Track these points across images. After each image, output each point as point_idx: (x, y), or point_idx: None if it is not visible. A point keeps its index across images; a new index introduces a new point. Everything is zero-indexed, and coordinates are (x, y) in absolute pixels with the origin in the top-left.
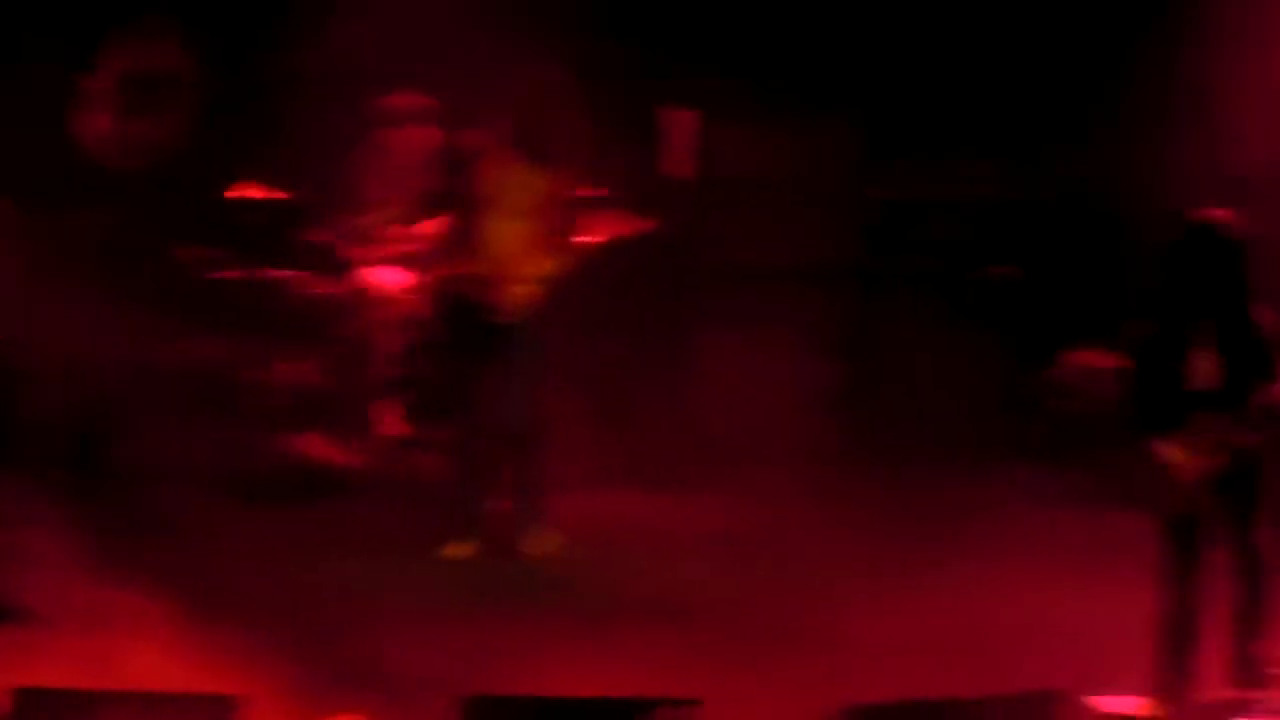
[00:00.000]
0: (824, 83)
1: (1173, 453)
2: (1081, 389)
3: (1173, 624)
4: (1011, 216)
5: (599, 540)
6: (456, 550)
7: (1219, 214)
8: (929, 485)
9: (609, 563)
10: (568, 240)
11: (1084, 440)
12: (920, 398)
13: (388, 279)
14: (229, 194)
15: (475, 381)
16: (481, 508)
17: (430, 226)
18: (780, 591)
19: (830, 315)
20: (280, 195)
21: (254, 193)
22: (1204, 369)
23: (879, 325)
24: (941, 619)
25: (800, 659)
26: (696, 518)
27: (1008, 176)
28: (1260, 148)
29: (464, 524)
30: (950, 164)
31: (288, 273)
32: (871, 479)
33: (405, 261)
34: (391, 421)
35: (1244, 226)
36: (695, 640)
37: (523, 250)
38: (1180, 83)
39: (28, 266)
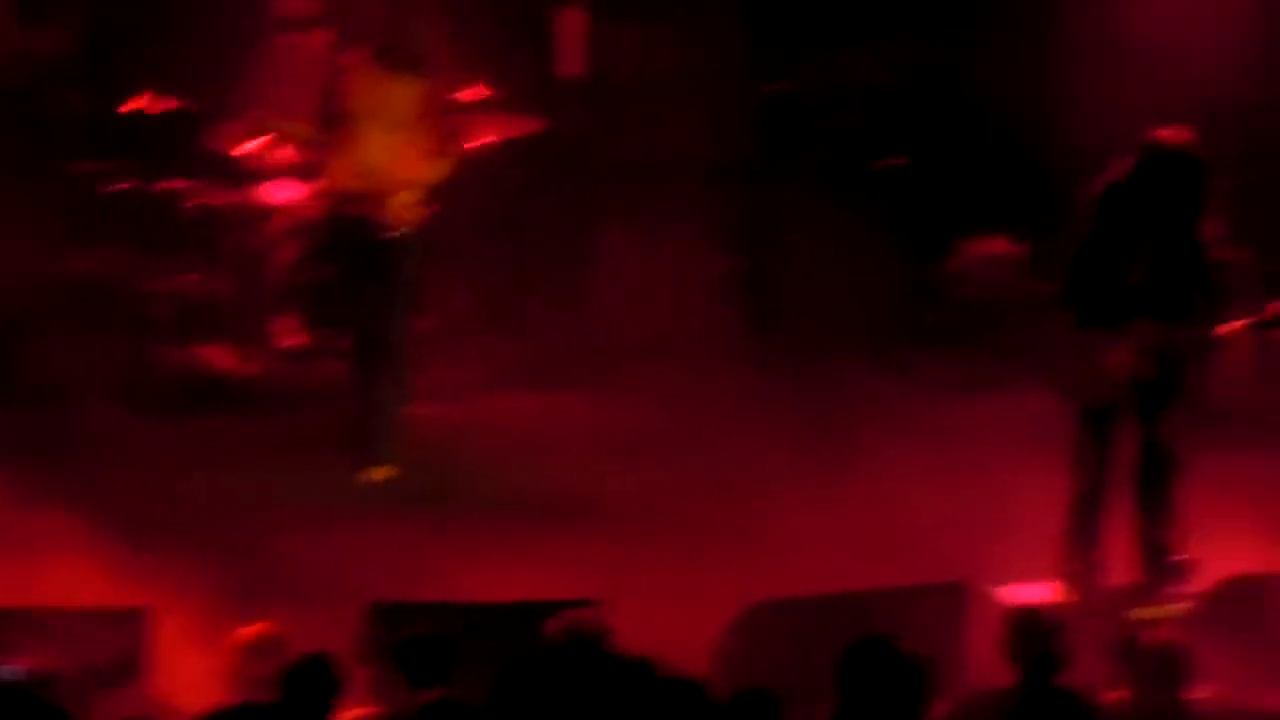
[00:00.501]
0: None
1: (1109, 349)
2: (982, 277)
3: (1081, 512)
4: (902, 106)
5: (501, 443)
6: (379, 473)
7: (1183, 133)
8: (833, 378)
9: (512, 466)
10: (445, 150)
11: (987, 327)
12: (820, 290)
13: (285, 189)
14: (124, 105)
15: (356, 295)
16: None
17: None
18: (688, 489)
19: (726, 211)
20: (176, 104)
21: (150, 103)
22: (1144, 271)
23: (775, 219)
24: (850, 512)
25: (710, 556)
26: (600, 418)
27: (897, 66)
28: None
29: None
30: (840, 55)
31: (184, 184)
32: (775, 373)
33: (302, 171)
34: (289, 331)
35: (1203, 148)
36: (603, 541)
37: (397, 162)
38: None
39: None
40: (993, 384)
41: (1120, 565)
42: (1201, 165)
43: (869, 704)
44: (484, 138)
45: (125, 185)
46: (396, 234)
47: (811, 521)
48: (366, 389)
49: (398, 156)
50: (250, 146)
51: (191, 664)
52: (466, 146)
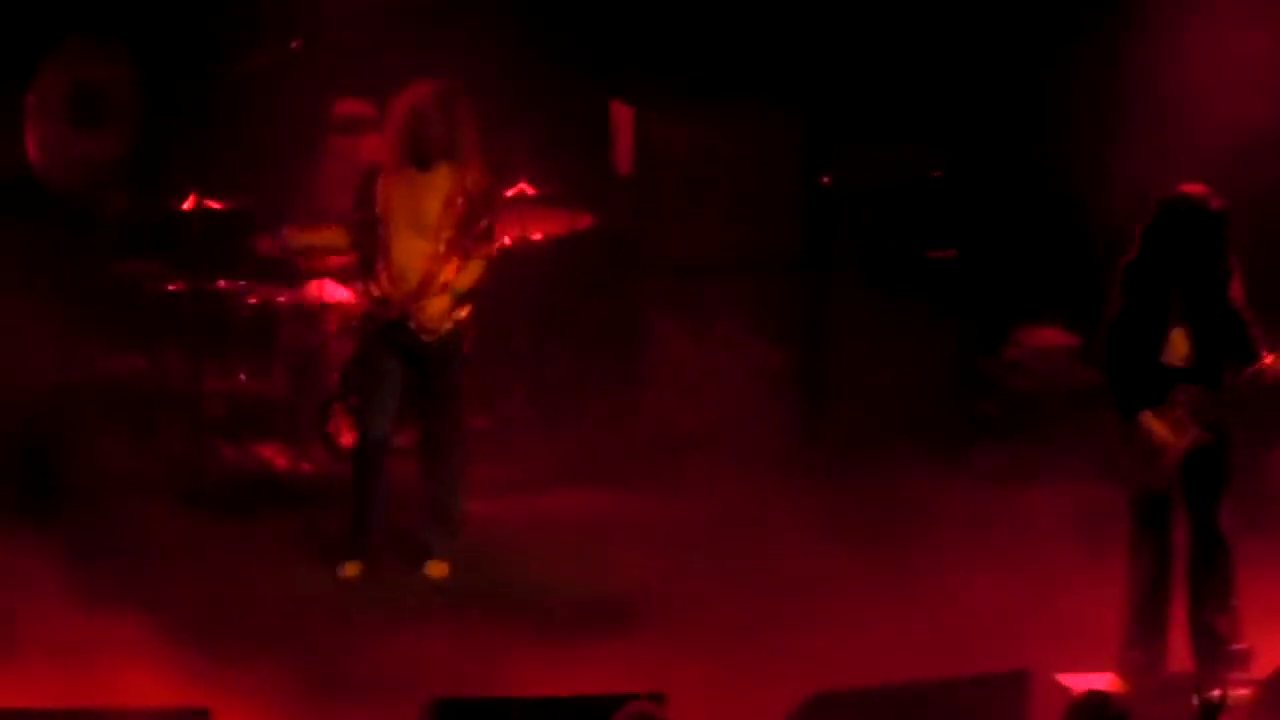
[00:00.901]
0: (764, 75)
1: (1155, 428)
2: (1035, 367)
3: (1141, 601)
4: (956, 199)
5: (556, 540)
6: (348, 570)
7: (1195, 188)
8: (887, 470)
9: (567, 562)
10: (482, 250)
11: (1041, 418)
12: (875, 383)
13: (336, 288)
14: (179, 206)
15: (373, 400)
16: (371, 525)
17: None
18: (743, 584)
19: (777, 304)
20: (231, 206)
21: (204, 204)
22: (1180, 344)
23: (826, 312)
24: (906, 603)
25: (765, 649)
26: (653, 513)
27: (951, 161)
28: (1199, 133)
29: (354, 542)
30: (887, 148)
31: (239, 283)
32: (829, 466)
33: (352, 271)
34: (347, 430)
35: (1219, 201)
36: (659, 636)
37: (432, 264)
38: (1119, 68)
39: None
40: (1048, 475)
41: (1180, 654)
42: (1216, 215)
43: None
44: (535, 233)
45: (177, 286)
46: (435, 337)
47: (867, 615)
48: (425, 487)
49: (434, 259)
50: (298, 247)
51: None
52: (516, 241)
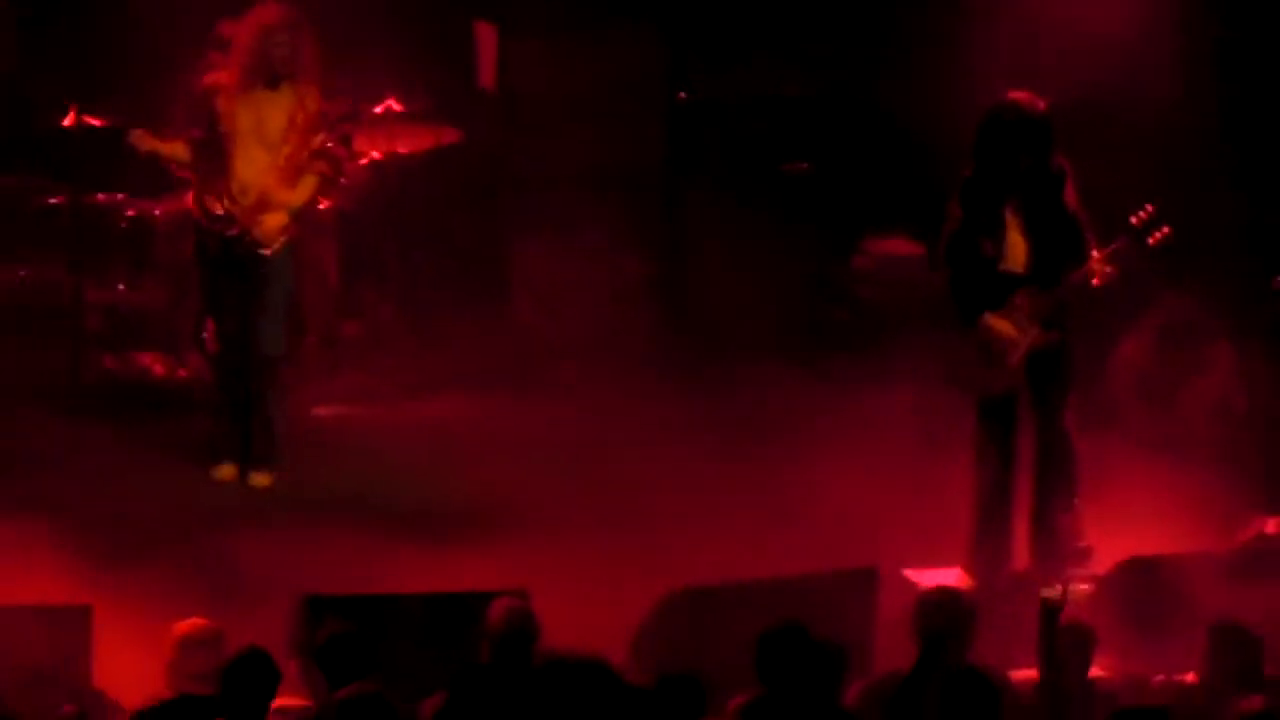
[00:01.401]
0: None
1: (999, 327)
2: (883, 276)
3: (987, 501)
4: (806, 114)
5: (423, 445)
6: (222, 472)
7: (1019, 94)
8: (744, 375)
9: (436, 465)
10: (317, 167)
11: (889, 324)
12: (732, 291)
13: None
14: (60, 120)
15: (224, 310)
16: (236, 431)
17: None
18: (605, 485)
19: (638, 216)
20: (110, 120)
21: (83, 118)
22: (1018, 250)
23: (685, 224)
24: (761, 503)
25: (628, 548)
26: (519, 419)
27: (801, 76)
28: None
29: (221, 446)
30: (745, 66)
31: (117, 197)
32: (687, 371)
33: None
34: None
35: (1043, 103)
36: (524, 536)
37: (272, 180)
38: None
39: None
40: (896, 379)
41: (1024, 551)
42: (1040, 118)
43: (785, 688)
44: (402, 148)
45: (58, 199)
46: (272, 251)
47: (724, 515)
48: (249, 398)
49: (272, 175)
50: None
51: (132, 660)
52: (385, 156)
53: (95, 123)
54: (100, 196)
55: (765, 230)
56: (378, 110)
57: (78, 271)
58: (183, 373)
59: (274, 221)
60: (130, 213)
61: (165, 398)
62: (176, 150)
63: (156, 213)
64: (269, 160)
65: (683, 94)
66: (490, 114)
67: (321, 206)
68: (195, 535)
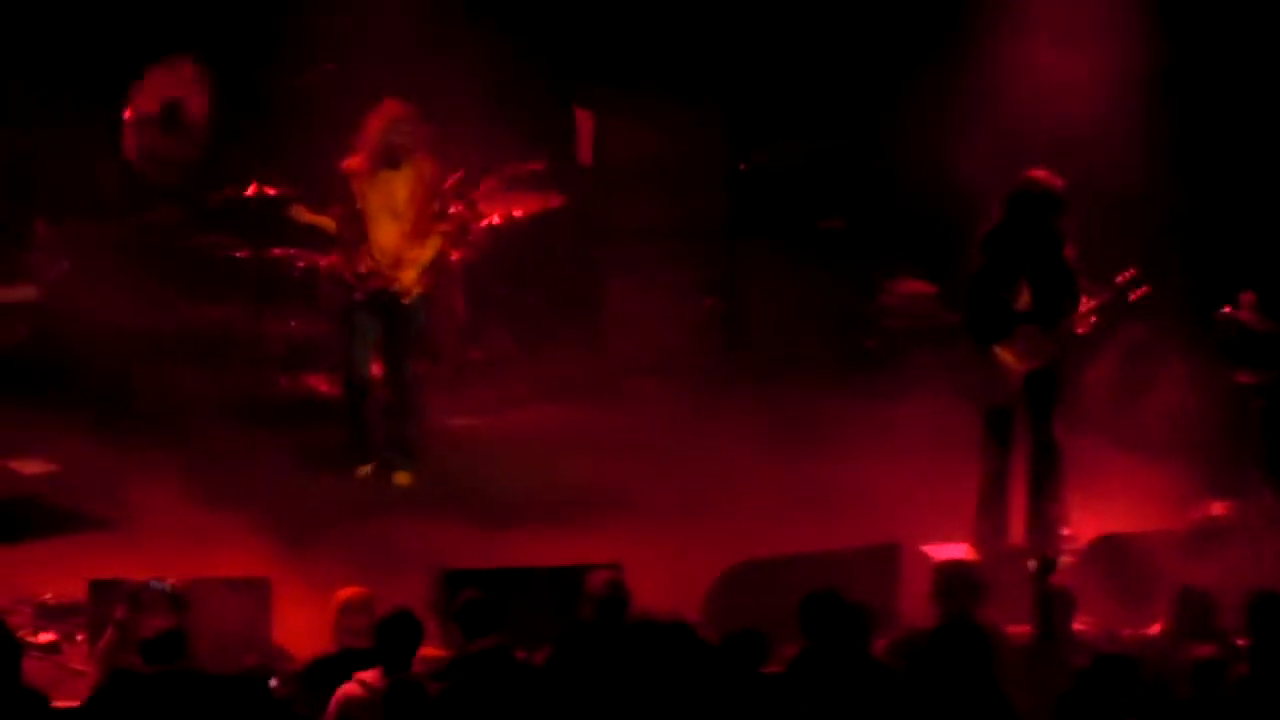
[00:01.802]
0: (694, 83)
1: (1004, 355)
2: (904, 310)
3: (989, 490)
4: (844, 181)
5: (535, 445)
6: (362, 471)
7: (1041, 172)
8: (791, 391)
9: (543, 462)
10: (437, 228)
11: (909, 350)
12: (780, 323)
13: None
14: (244, 191)
15: (368, 346)
16: (370, 438)
17: None
18: (679, 478)
19: (707, 263)
20: (284, 191)
21: (263, 189)
22: (1024, 293)
23: (745, 269)
24: (805, 493)
25: (700, 528)
26: (610, 425)
27: (840, 150)
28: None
29: (361, 451)
30: (794, 142)
31: (290, 250)
32: (745, 387)
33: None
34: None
35: (1060, 181)
36: (616, 520)
37: (404, 243)
38: (967, 80)
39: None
40: (914, 394)
41: (1020, 529)
42: (1058, 192)
43: (825, 643)
44: (517, 211)
45: (244, 253)
46: (410, 299)
47: (775, 502)
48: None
49: (405, 238)
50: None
51: (303, 621)
52: (503, 218)
53: (271, 192)
54: (277, 250)
55: (808, 274)
56: (497, 180)
57: (258, 310)
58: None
59: (408, 276)
60: (301, 264)
61: (329, 410)
62: (326, 222)
63: (321, 264)
64: (399, 227)
65: (742, 164)
66: (587, 182)
67: (452, 258)
68: (354, 521)
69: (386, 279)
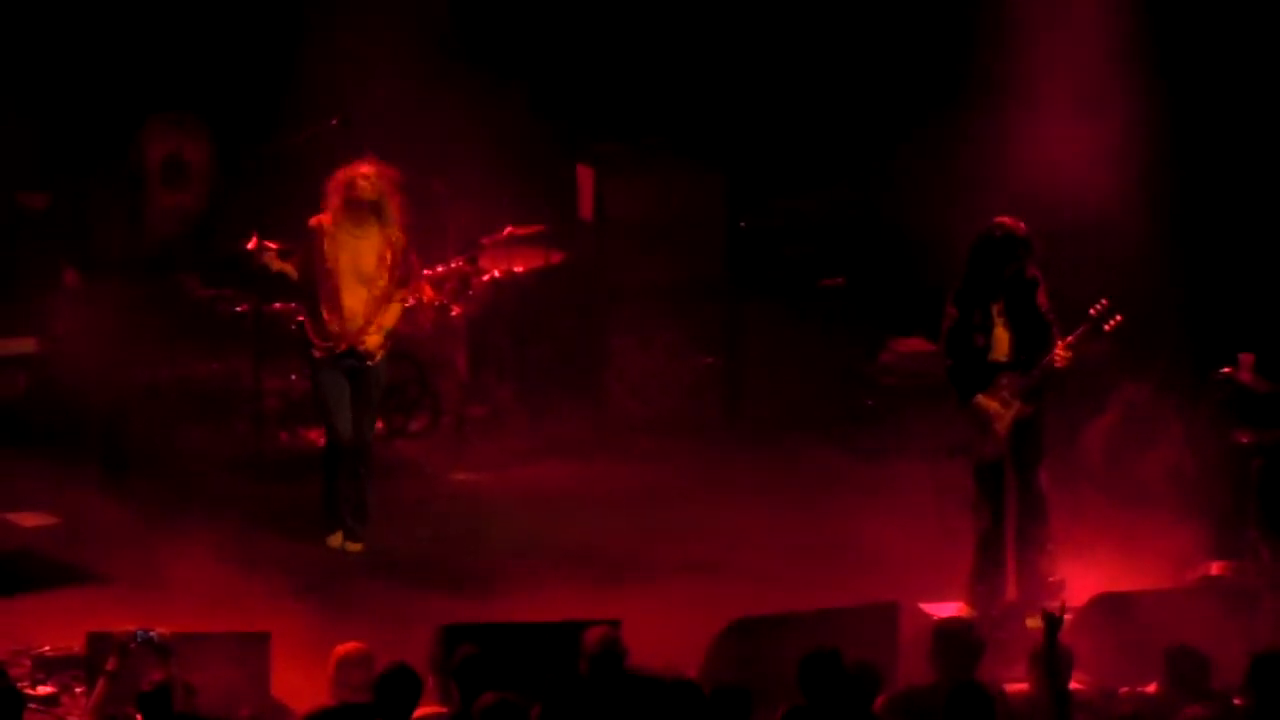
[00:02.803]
0: (694, 144)
1: (987, 405)
2: (902, 368)
3: (983, 547)
4: (842, 240)
5: (537, 500)
6: (333, 540)
7: (1005, 218)
8: (790, 448)
9: (544, 517)
10: (400, 294)
11: (906, 408)
12: (780, 380)
13: None
14: (244, 245)
15: (335, 411)
16: (342, 504)
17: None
18: (679, 534)
19: (708, 321)
20: (283, 246)
21: (263, 244)
22: (1002, 343)
23: (746, 327)
24: (803, 550)
25: (696, 585)
26: (611, 481)
27: (837, 212)
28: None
29: (333, 519)
30: (791, 199)
31: (290, 305)
32: (744, 444)
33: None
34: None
35: (1023, 226)
36: (614, 575)
37: (370, 306)
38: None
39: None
40: (911, 451)
41: (1013, 586)
42: (1021, 237)
43: (823, 701)
44: (519, 267)
45: (243, 307)
46: (375, 362)
47: (774, 558)
48: (349, 477)
49: (371, 301)
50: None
51: (302, 676)
52: (504, 274)
53: (272, 246)
54: (277, 305)
55: (807, 332)
56: (501, 236)
57: (259, 364)
58: None
59: (374, 340)
60: (300, 318)
61: None
62: (289, 269)
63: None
64: (366, 291)
65: (743, 223)
66: (588, 239)
67: (453, 313)
68: (353, 575)
69: (353, 342)
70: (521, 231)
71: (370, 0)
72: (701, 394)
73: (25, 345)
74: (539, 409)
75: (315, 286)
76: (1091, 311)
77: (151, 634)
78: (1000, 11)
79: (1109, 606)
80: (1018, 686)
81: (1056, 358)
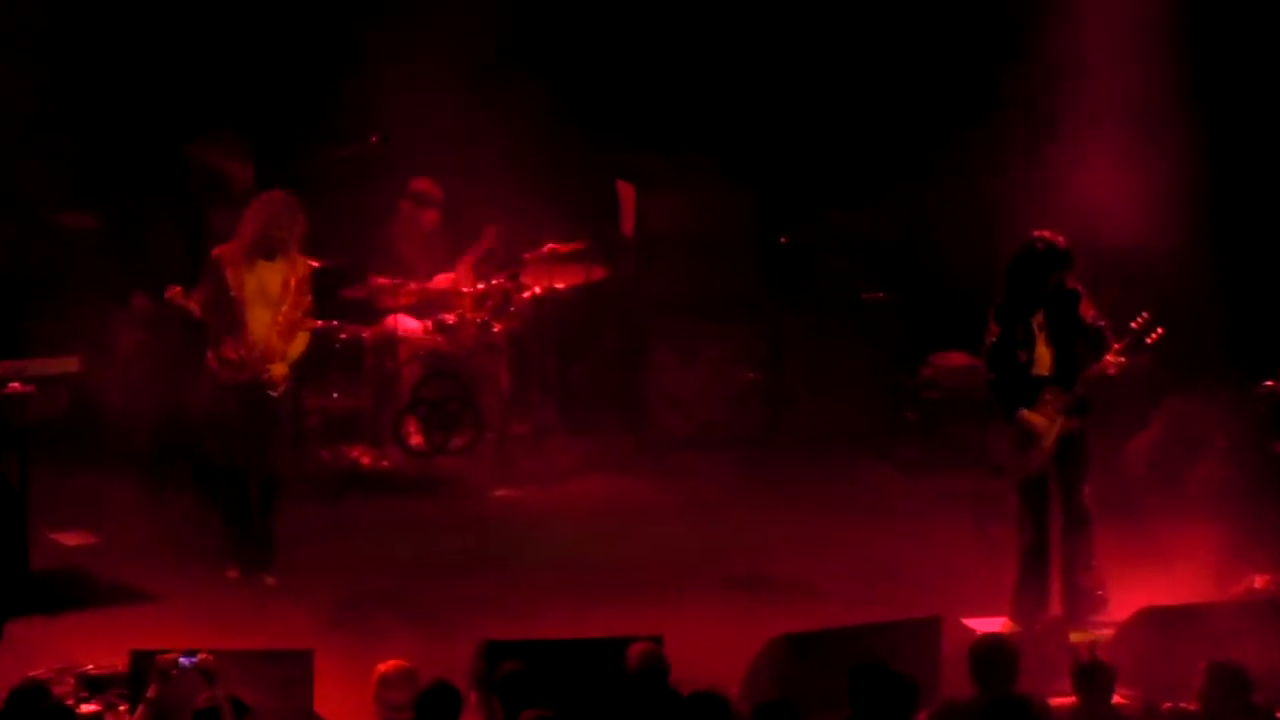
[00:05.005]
0: (734, 160)
1: (1032, 419)
2: (945, 383)
3: (1027, 562)
4: (885, 254)
5: (578, 517)
6: (234, 574)
7: (1043, 232)
8: (832, 462)
9: (586, 533)
10: (306, 324)
11: (949, 422)
12: (822, 395)
13: (409, 323)
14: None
15: (233, 440)
16: (247, 536)
17: (441, 282)
18: (721, 549)
19: (749, 336)
20: (326, 262)
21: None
22: (1044, 357)
23: (786, 342)
24: (847, 563)
25: (736, 600)
26: (652, 496)
27: (876, 224)
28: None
29: (238, 551)
30: (833, 214)
31: (333, 322)
32: (788, 458)
33: (418, 311)
34: (415, 434)
35: (1061, 239)
36: (660, 590)
37: (275, 334)
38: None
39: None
40: (954, 465)
41: (1057, 601)
42: (1060, 250)
43: (870, 714)
44: (559, 283)
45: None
46: (279, 391)
47: (817, 572)
48: (252, 506)
49: (276, 330)
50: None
51: (344, 693)
52: (545, 290)
53: (314, 264)
54: (319, 323)
55: (849, 346)
56: (540, 253)
57: (300, 382)
58: (385, 463)
59: (278, 369)
60: (343, 335)
61: (370, 483)
62: (193, 308)
63: (364, 335)
64: (271, 316)
65: (784, 238)
66: (629, 255)
67: (495, 330)
68: (396, 592)
69: (255, 369)
70: (563, 248)
71: (410, 18)
72: (743, 409)
73: (69, 364)
74: (581, 425)
75: (220, 315)
76: (1134, 325)
77: (193, 658)
78: (1041, 26)
79: (1152, 620)
80: (1062, 700)
81: (1109, 364)
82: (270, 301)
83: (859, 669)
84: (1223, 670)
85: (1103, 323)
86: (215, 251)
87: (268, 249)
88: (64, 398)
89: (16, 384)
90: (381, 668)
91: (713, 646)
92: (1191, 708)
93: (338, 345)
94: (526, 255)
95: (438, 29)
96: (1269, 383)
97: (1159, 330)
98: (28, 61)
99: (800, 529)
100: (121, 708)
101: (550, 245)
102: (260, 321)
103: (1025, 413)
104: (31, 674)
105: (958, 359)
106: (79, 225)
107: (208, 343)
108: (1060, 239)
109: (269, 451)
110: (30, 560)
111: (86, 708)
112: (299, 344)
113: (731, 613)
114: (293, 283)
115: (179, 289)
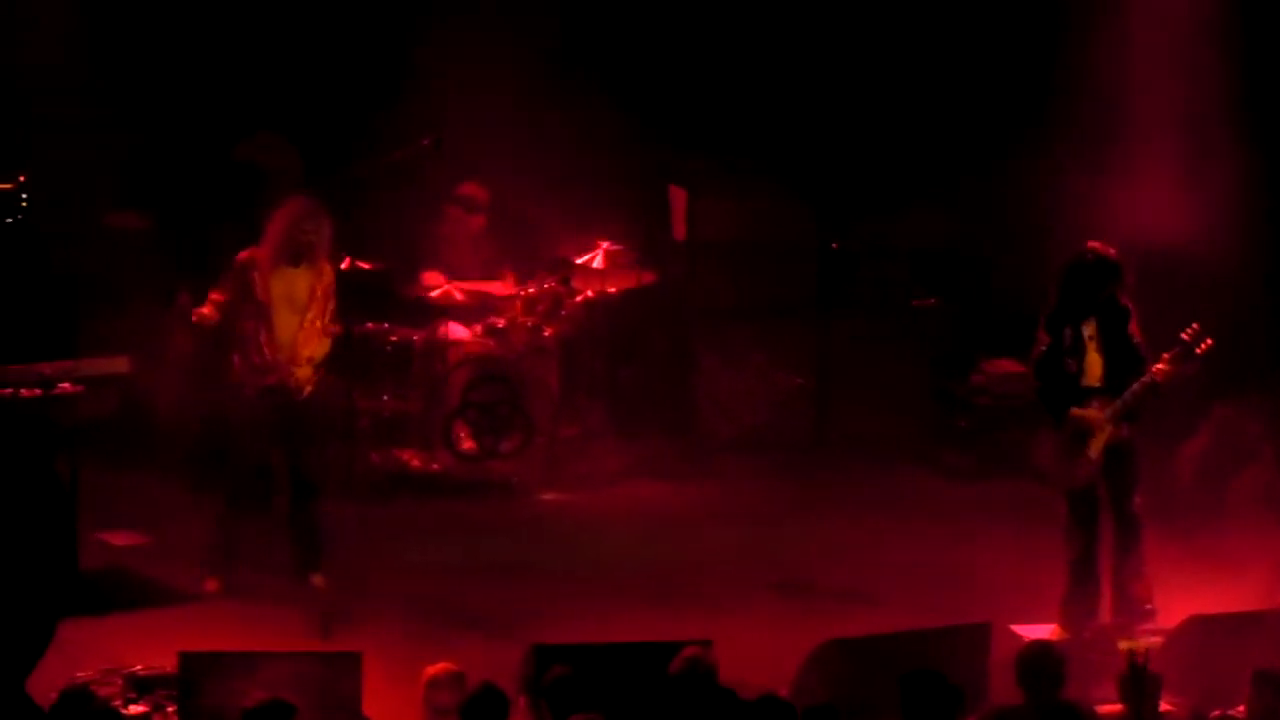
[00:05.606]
0: (786, 167)
1: (1088, 414)
2: (994, 390)
3: (1076, 571)
4: (935, 261)
5: (628, 520)
6: (212, 586)
7: (1096, 244)
8: (880, 468)
9: (636, 537)
10: (330, 329)
11: (999, 429)
12: (870, 401)
13: (458, 328)
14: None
15: (257, 444)
16: (234, 552)
17: (489, 287)
18: (769, 554)
19: (798, 341)
20: (376, 265)
21: (355, 264)
22: (1094, 367)
23: (836, 347)
24: (894, 570)
25: (784, 604)
26: (701, 500)
27: (929, 232)
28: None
29: (219, 562)
30: (881, 221)
31: (383, 326)
32: (835, 463)
33: (468, 314)
34: (466, 438)
35: (1114, 252)
36: (707, 594)
37: (301, 339)
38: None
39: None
40: (1004, 471)
41: (1106, 610)
42: (1113, 263)
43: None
44: (611, 287)
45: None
46: (304, 396)
47: (865, 578)
48: (292, 515)
49: (302, 334)
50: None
51: (393, 695)
52: (597, 294)
53: (365, 267)
54: (370, 325)
55: (898, 352)
56: (592, 258)
57: (351, 384)
58: (435, 466)
59: (304, 372)
60: (394, 338)
61: (420, 485)
62: (211, 315)
63: (414, 338)
64: (297, 321)
65: (835, 243)
66: (680, 259)
67: (546, 334)
68: (445, 595)
69: (282, 375)
70: (614, 253)
71: (465, 22)
72: (791, 414)
73: (118, 365)
74: (630, 429)
75: (246, 319)
76: (1183, 335)
77: None
78: (1092, 37)
79: (1200, 628)
80: (1110, 708)
81: (1158, 372)
82: (297, 307)
83: (910, 675)
84: (1270, 678)
85: (1144, 351)
86: (241, 256)
87: (294, 254)
88: (114, 398)
89: (67, 384)
90: (430, 670)
91: (761, 651)
92: (1239, 715)
93: (388, 348)
94: (577, 260)
95: (492, 34)
96: None
97: (1208, 341)
98: (79, 64)
99: (847, 535)
100: (170, 709)
101: (601, 250)
102: (287, 326)
103: (1077, 410)
104: (79, 674)
105: (1008, 366)
106: (129, 226)
107: (230, 347)
108: (1111, 250)
109: (301, 455)
110: (79, 560)
111: (134, 709)
112: (324, 347)
113: (779, 617)
114: (319, 289)
115: (201, 310)
